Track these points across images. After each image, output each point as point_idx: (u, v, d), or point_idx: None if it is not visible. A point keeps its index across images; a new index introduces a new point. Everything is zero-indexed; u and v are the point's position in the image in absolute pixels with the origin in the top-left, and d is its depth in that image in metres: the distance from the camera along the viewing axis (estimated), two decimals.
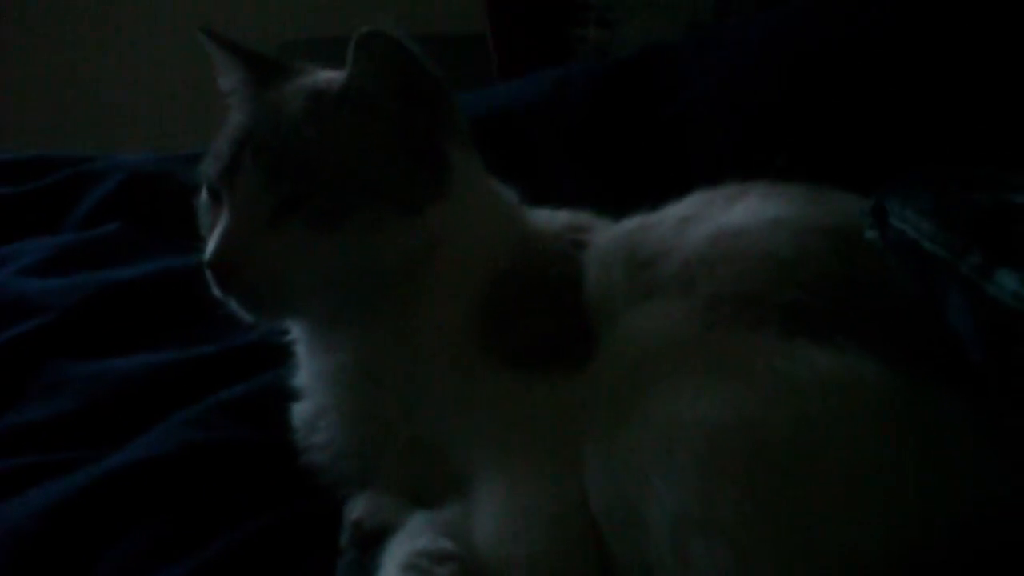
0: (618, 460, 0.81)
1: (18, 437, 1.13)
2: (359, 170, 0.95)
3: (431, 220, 0.98)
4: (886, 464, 0.73)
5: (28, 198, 1.76)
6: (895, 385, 0.76)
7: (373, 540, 0.90)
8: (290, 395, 1.06)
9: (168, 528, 0.97)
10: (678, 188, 1.04)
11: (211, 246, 0.94)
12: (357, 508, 0.95)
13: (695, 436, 0.77)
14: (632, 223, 1.03)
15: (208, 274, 0.95)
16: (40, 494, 1.00)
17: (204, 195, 1.02)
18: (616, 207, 1.08)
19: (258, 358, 1.17)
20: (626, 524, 0.80)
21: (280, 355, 1.09)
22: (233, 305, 0.97)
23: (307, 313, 1.02)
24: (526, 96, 1.71)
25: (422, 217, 0.97)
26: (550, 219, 1.08)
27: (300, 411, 1.04)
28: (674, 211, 1.00)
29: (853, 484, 0.73)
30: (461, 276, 0.99)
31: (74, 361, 1.26)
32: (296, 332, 1.07)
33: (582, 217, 1.08)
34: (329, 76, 1.02)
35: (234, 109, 1.05)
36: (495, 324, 0.96)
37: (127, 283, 1.40)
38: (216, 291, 0.96)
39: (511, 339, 0.94)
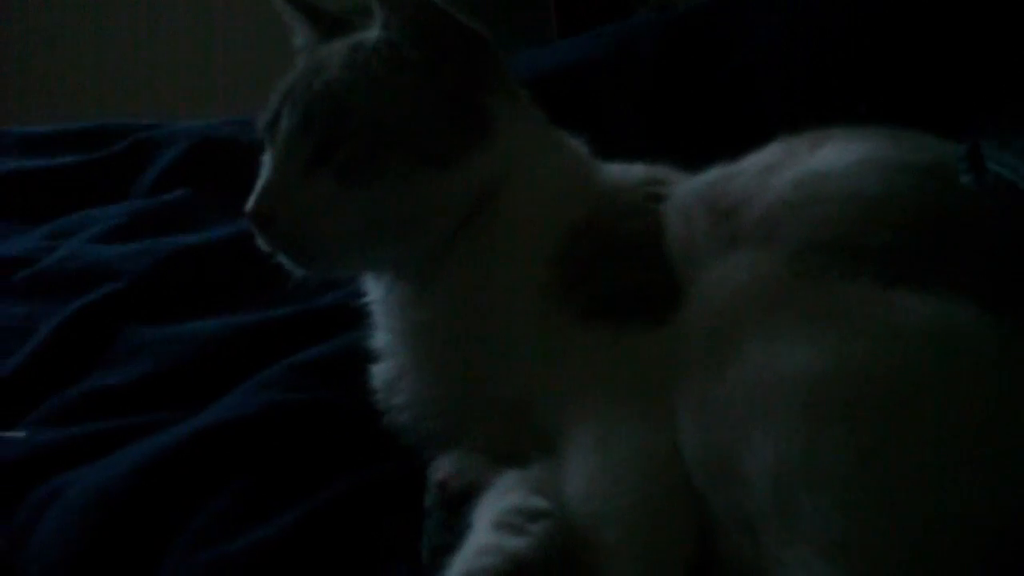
0: (713, 414, 0.79)
1: (99, 402, 1.14)
2: (386, 120, 0.94)
3: (470, 173, 0.96)
4: (994, 413, 0.71)
5: (95, 167, 1.77)
6: (998, 331, 0.73)
7: (459, 501, 0.89)
8: (369, 357, 1.05)
9: (252, 490, 0.97)
10: (753, 140, 1.01)
11: (251, 196, 0.95)
12: (442, 469, 0.94)
13: (794, 386, 0.75)
14: (712, 174, 1.00)
15: (251, 225, 0.95)
16: (125, 456, 1.00)
17: (265, 154, 1.01)
18: (688, 161, 1.05)
19: (335, 320, 1.16)
20: (724, 479, 0.78)
21: (357, 317, 1.08)
22: (280, 256, 0.98)
23: (356, 266, 1.03)
24: (591, 51, 1.68)
25: (457, 170, 0.96)
26: (626, 172, 1.05)
27: (380, 372, 1.03)
28: (755, 160, 0.98)
29: (960, 434, 0.71)
30: (533, 228, 0.97)
31: (150, 325, 1.27)
32: (373, 293, 1.06)
33: (659, 170, 1.06)
34: (375, 33, 1.01)
35: (297, 65, 1.05)
36: (575, 277, 0.94)
37: (199, 247, 1.41)
38: (260, 242, 0.97)
39: (593, 292, 0.93)
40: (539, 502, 0.82)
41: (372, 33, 1.00)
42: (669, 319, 0.88)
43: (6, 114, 2.70)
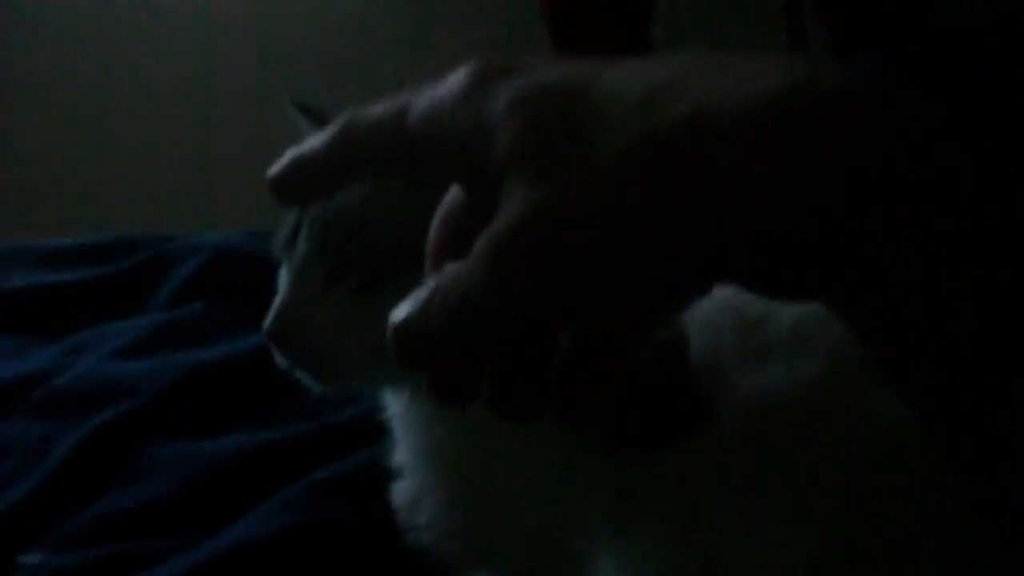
0: (757, 528, 0.78)
1: (116, 524, 1.12)
2: (404, 240, 0.90)
3: None
4: None
5: (111, 280, 1.77)
6: None
7: None
8: (390, 473, 1.03)
9: None
10: None
11: (269, 316, 0.96)
12: None
13: (832, 495, 0.75)
14: None
15: (269, 343, 0.96)
16: None
17: (282, 269, 1.02)
18: None
19: (355, 436, 1.15)
20: None
21: (378, 433, 1.07)
22: (298, 374, 0.98)
23: (374, 382, 1.02)
24: None
25: None
26: None
27: (401, 490, 1.01)
28: None
29: None
30: None
31: (167, 444, 1.25)
32: (393, 408, 1.05)
33: None
34: None
35: None
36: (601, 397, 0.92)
37: (217, 363, 1.40)
38: (278, 359, 0.98)
39: (620, 410, 0.91)
40: None
41: None
42: (700, 437, 0.86)
43: (26, 228, 2.72)
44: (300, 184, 0.68)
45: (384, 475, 1.03)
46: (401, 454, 1.03)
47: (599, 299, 0.55)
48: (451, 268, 0.57)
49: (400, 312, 0.61)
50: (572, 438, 0.91)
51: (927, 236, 0.48)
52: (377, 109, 0.64)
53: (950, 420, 0.51)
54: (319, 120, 1.07)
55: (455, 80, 0.60)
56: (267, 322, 0.96)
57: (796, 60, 0.53)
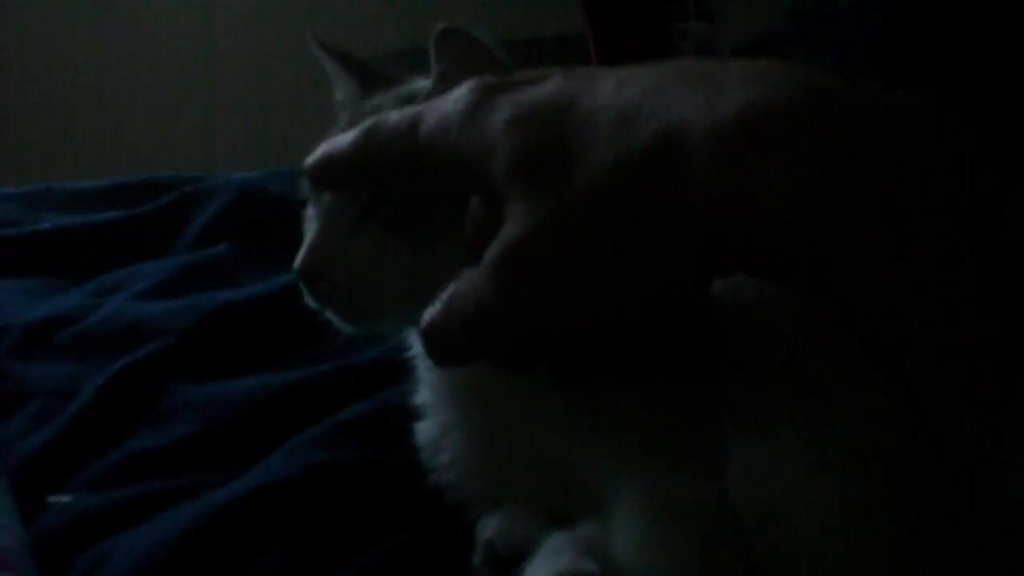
0: (766, 463, 0.77)
1: (142, 464, 1.13)
2: None
3: None
4: None
5: (138, 222, 1.77)
6: None
7: (507, 561, 0.87)
8: (413, 413, 1.03)
9: (295, 554, 0.95)
10: None
11: (299, 255, 0.95)
12: (489, 528, 0.92)
13: (844, 439, 0.74)
14: None
15: (300, 283, 0.96)
16: (168, 522, 0.99)
17: (309, 208, 1.01)
18: None
19: (379, 376, 1.14)
20: (774, 528, 0.75)
21: (401, 372, 1.07)
22: (328, 314, 0.98)
23: (404, 321, 1.01)
24: None
25: None
26: None
27: (424, 429, 1.01)
28: None
29: None
30: None
31: (191, 384, 1.26)
32: (417, 348, 1.04)
33: None
34: (425, 83, 0.99)
35: (340, 119, 1.04)
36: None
37: (242, 303, 1.41)
38: (309, 300, 0.97)
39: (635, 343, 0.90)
40: (590, 565, 0.79)
41: (420, 84, 0.99)
42: (717, 364, 0.85)
43: (57, 169, 2.73)
44: (330, 178, 0.77)
45: (408, 415, 1.03)
46: (424, 393, 1.03)
47: (599, 304, 0.60)
48: (467, 274, 0.63)
49: (427, 314, 0.66)
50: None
51: (924, 240, 0.49)
52: (395, 116, 0.69)
53: (950, 418, 0.51)
54: (342, 60, 1.07)
55: (460, 96, 0.64)
56: (298, 261, 0.95)
57: (770, 66, 0.55)
